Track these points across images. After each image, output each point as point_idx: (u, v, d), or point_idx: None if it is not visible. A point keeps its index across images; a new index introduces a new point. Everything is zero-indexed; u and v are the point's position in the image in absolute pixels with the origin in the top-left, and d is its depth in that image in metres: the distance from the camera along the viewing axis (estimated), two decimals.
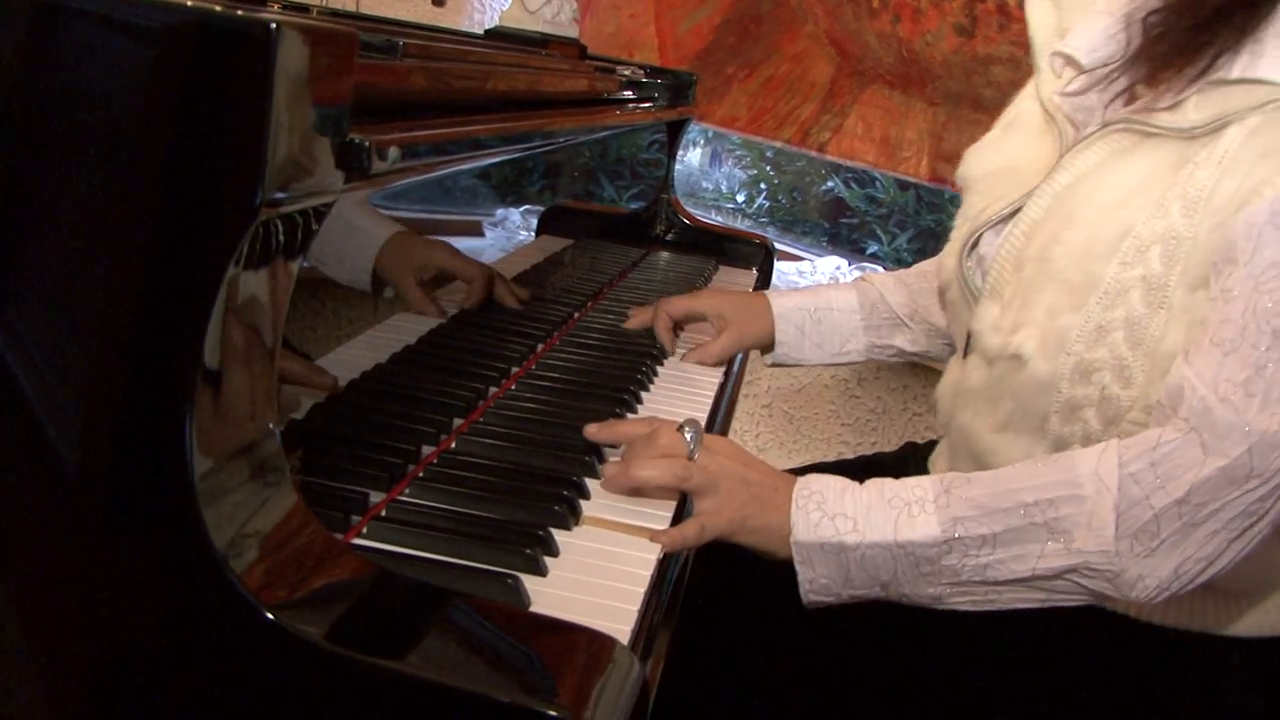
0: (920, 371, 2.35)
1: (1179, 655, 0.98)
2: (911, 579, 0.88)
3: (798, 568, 0.89)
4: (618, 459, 0.94)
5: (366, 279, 0.78)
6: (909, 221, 2.74)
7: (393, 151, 0.67)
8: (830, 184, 2.81)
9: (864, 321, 1.33)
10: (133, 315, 0.57)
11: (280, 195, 0.57)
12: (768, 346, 1.34)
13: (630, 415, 1.09)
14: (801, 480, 0.91)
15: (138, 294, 0.57)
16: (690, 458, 0.91)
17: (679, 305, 1.34)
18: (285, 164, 0.57)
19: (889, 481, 0.90)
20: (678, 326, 1.36)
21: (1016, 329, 0.97)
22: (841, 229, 2.81)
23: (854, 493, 0.90)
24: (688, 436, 0.92)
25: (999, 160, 1.09)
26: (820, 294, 1.34)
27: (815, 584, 0.89)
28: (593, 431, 0.96)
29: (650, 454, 0.90)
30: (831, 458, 1.89)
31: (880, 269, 2.63)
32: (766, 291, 1.35)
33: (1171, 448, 0.82)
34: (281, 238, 0.61)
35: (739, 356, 1.40)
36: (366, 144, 0.64)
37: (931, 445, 1.24)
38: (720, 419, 1.20)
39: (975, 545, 0.86)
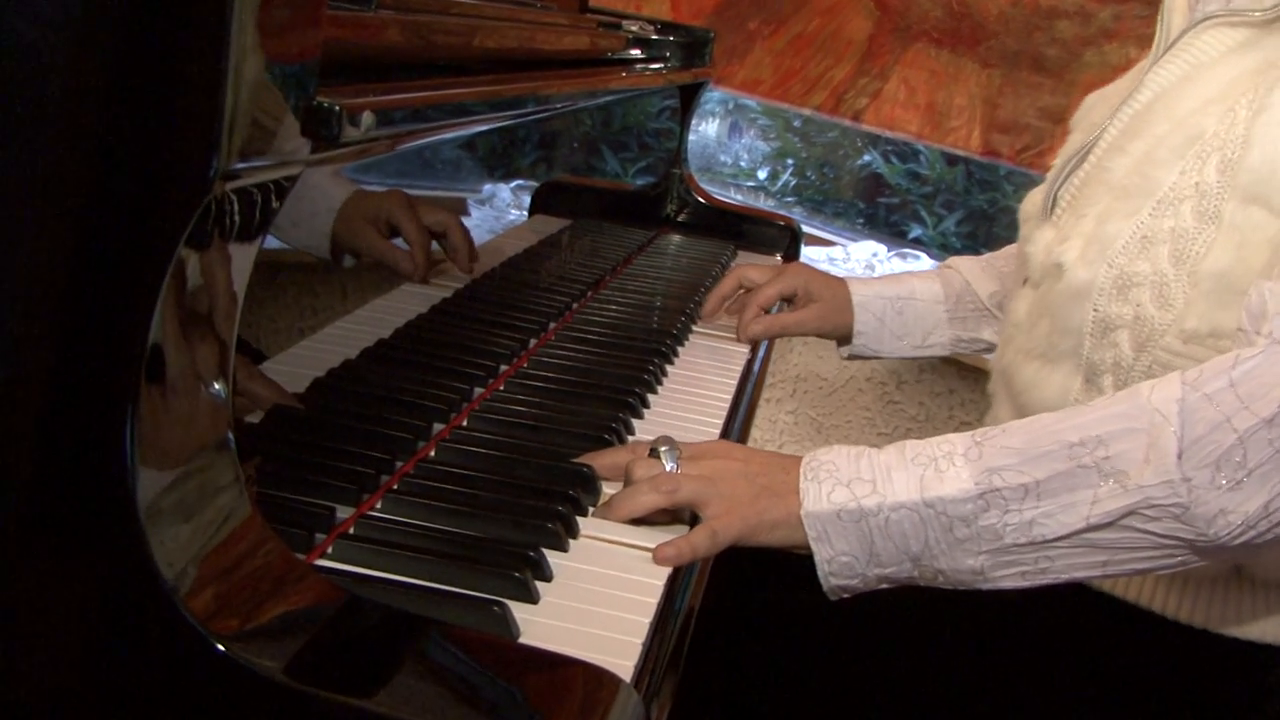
0: (969, 375, 2.35)
1: (1218, 666, 1.00)
2: (946, 548, 0.85)
3: (813, 546, 0.87)
4: (613, 487, 0.94)
5: (325, 244, 0.77)
6: (957, 201, 2.74)
7: (366, 117, 0.67)
8: (867, 158, 2.81)
9: (949, 313, 1.37)
10: (66, 305, 0.57)
11: (237, 166, 0.57)
12: (845, 338, 1.39)
13: (635, 420, 1.09)
14: (810, 454, 0.90)
15: (72, 280, 0.57)
16: None
17: (767, 294, 1.38)
18: (243, 130, 0.57)
19: (911, 441, 0.89)
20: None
21: (1063, 241, 1.03)
22: (879, 210, 2.81)
23: (871, 456, 0.88)
24: (664, 456, 0.91)
25: (1103, 97, 1.18)
26: (902, 282, 1.39)
27: (835, 563, 0.87)
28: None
29: (629, 491, 0.90)
30: None
31: (923, 256, 2.63)
32: (846, 278, 1.39)
33: (1254, 364, 0.82)
34: (239, 216, 0.61)
35: (761, 352, 1.42)
36: (336, 108, 0.64)
37: None
38: (738, 425, 1.20)
39: (1017, 498, 0.84)
